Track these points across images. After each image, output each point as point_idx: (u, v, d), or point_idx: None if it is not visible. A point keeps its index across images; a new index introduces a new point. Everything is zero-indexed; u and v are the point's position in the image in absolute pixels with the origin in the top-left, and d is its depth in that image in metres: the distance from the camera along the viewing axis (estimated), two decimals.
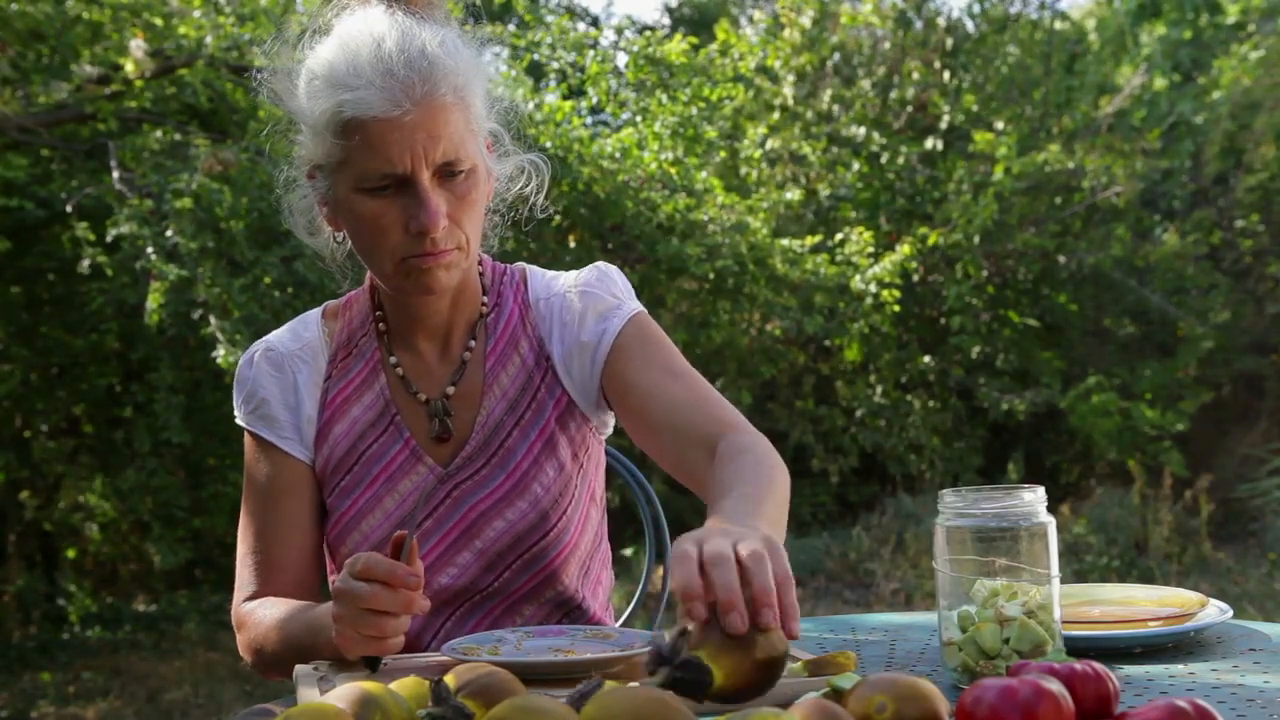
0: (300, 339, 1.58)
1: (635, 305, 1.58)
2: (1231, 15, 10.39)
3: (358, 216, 1.43)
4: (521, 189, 1.60)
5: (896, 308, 7.76)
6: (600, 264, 1.62)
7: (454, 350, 1.56)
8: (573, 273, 1.61)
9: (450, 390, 1.54)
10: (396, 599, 1.20)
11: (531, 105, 6.52)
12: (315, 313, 1.62)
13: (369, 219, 1.42)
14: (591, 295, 1.56)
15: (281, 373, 1.56)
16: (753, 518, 1.20)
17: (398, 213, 1.41)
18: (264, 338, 1.61)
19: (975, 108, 9.11)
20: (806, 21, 8.98)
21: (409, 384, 1.55)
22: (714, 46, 7.57)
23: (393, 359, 1.56)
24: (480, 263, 1.59)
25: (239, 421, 1.59)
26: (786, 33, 9.03)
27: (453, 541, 1.52)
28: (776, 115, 9.04)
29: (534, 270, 1.63)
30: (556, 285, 1.60)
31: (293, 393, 1.55)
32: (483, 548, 1.52)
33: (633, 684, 1.16)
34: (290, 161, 1.54)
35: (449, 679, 0.97)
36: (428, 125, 1.37)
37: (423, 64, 1.37)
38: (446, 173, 1.41)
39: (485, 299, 1.58)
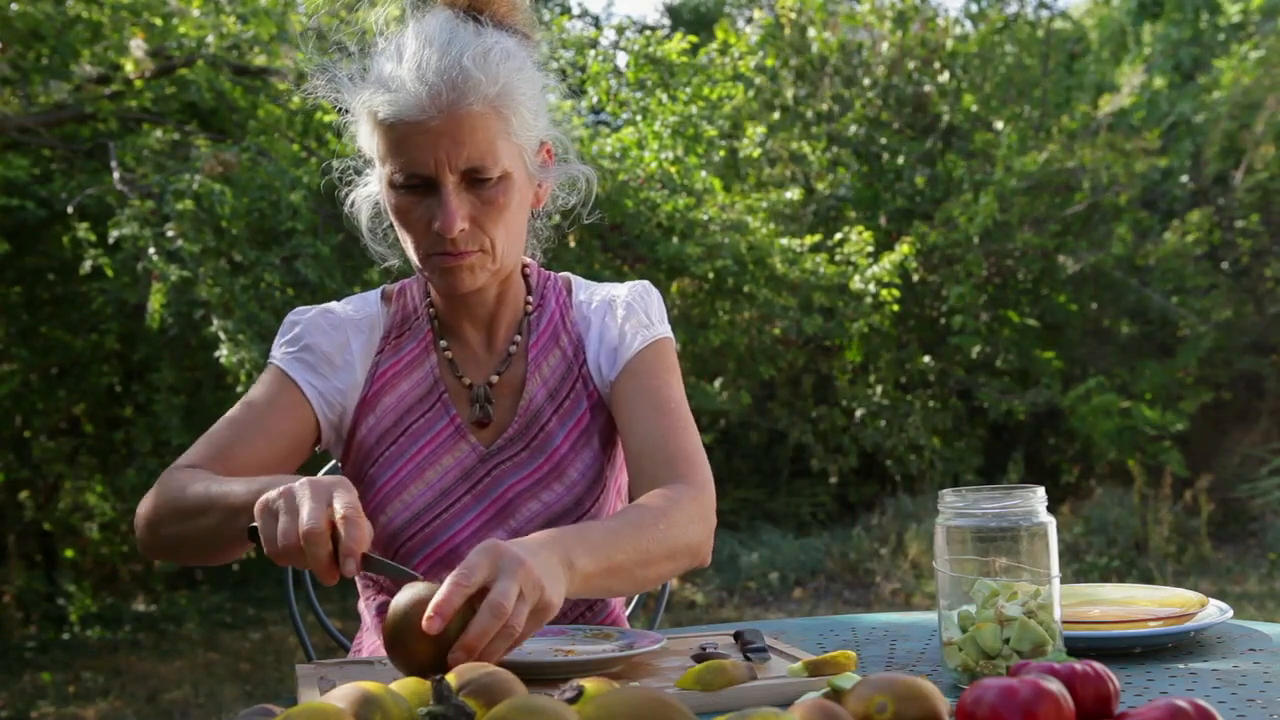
0: (361, 310, 1.65)
1: (664, 330, 1.66)
2: (1231, 15, 10.39)
3: (393, 209, 1.53)
4: (570, 198, 1.69)
5: (896, 307, 7.75)
6: (644, 282, 1.71)
7: (499, 343, 1.64)
8: (618, 284, 1.71)
9: (494, 379, 1.62)
10: (319, 556, 1.19)
11: None
12: (375, 292, 1.70)
13: (400, 212, 1.51)
14: (632, 309, 1.66)
15: (336, 332, 1.62)
16: (579, 545, 1.27)
17: (423, 211, 1.49)
18: (323, 305, 1.68)
19: (975, 108, 9.11)
20: (806, 21, 8.98)
21: (456, 368, 1.62)
22: (714, 46, 7.57)
23: (442, 343, 1.64)
24: (526, 266, 1.69)
25: (273, 358, 1.62)
26: (787, 33, 9.03)
27: (487, 521, 1.57)
28: (776, 115, 9.04)
29: (578, 279, 1.74)
30: (601, 292, 1.70)
31: (341, 354, 1.61)
32: (516, 527, 1.57)
33: (632, 684, 1.16)
34: (356, 154, 1.61)
35: (450, 678, 0.97)
36: (453, 132, 1.44)
37: (454, 74, 1.44)
38: (474, 178, 1.48)
39: (530, 299, 1.67)
